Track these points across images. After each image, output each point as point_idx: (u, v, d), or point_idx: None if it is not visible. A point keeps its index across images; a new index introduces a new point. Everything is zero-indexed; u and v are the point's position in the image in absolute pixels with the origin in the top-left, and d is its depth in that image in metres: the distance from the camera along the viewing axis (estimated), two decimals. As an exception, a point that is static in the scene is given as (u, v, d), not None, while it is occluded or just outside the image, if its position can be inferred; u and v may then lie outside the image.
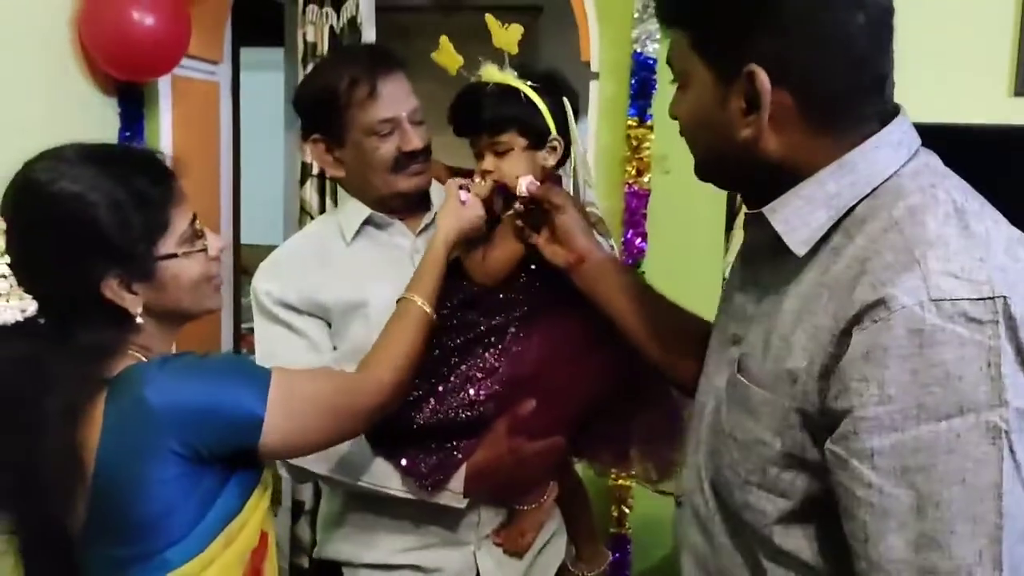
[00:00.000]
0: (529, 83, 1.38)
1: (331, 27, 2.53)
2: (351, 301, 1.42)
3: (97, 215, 1.03)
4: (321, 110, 1.44)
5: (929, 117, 1.87)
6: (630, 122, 2.20)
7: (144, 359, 1.09)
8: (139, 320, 1.08)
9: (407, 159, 1.42)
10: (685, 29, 0.92)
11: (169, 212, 1.10)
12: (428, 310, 1.29)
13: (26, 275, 1.05)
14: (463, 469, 1.39)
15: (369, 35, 2.55)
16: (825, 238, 0.87)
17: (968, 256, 0.76)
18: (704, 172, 0.99)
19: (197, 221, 1.14)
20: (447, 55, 1.42)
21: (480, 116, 1.39)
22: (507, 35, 1.40)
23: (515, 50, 1.40)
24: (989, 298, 0.73)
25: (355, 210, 1.49)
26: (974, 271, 0.75)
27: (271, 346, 1.44)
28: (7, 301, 1.04)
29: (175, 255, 1.10)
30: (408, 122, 1.42)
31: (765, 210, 0.90)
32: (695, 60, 0.91)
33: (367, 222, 1.48)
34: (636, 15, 2.17)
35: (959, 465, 0.73)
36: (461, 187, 1.38)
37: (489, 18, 1.40)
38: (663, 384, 1.39)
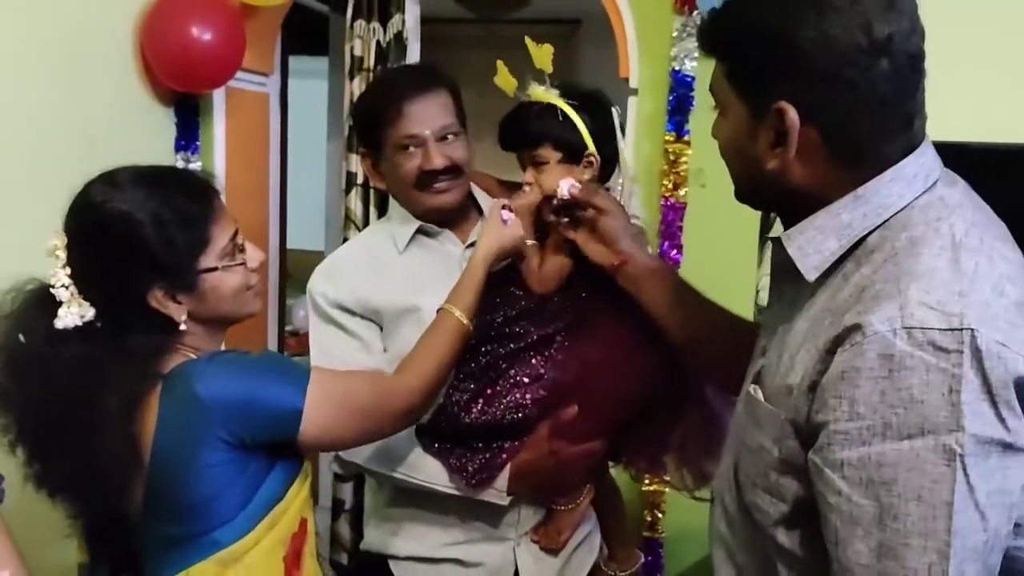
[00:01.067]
0: (569, 101, 1.45)
1: (378, 42, 2.59)
2: (403, 306, 1.49)
3: (143, 233, 1.12)
4: (365, 127, 1.53)
5: (982, 137, 1.91)
6: (667, 137, 2.25)
7: (195, 356, 1.18)
8: (183, 326, 1.17)
9: (428, 177, 1.47)
10: (721, 61, 0.97)
11: (210, 229, 1.18)
12: (465, 321, 1.36)
13: (83, 284, 1.14)
14: (507, 469, 1.45)
15: (414, 49, 2.60)
16: (838, 265, 0.92)
17: (948, 290, 0.81)
18: (740, 194, 1.04)
19: (239, 235, 1.23)
20: (504, 78, 1.49)
21: (519, 131, 1.47)
22: (541, 54, 1.47)
23: (550, 68, 1.46)
24: (957, 329, 0.78)
25: (406, 220, 1.56)
26: (950, 304, 0.80)
27: (324, 345, 1.51)
28: (68, 307, 1.13)
29: (215, 268, 1.18)
30: (433, 140, 1.46)
31: (782, 236, 0.96)
32: (730, 91, 0.96)
33: (418, 231, 1.55)
34: (675, 34, 2.21)
35: (917, 483, 0.78)
36: (504, 207, 1.45)
37: (527, 40, 1.47)
38: (701, 393, 1.45)
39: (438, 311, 1.38)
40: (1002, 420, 0.78)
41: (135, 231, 1.13)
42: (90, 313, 1.14)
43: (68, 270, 1.14)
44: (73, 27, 2.03)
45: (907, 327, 0.79)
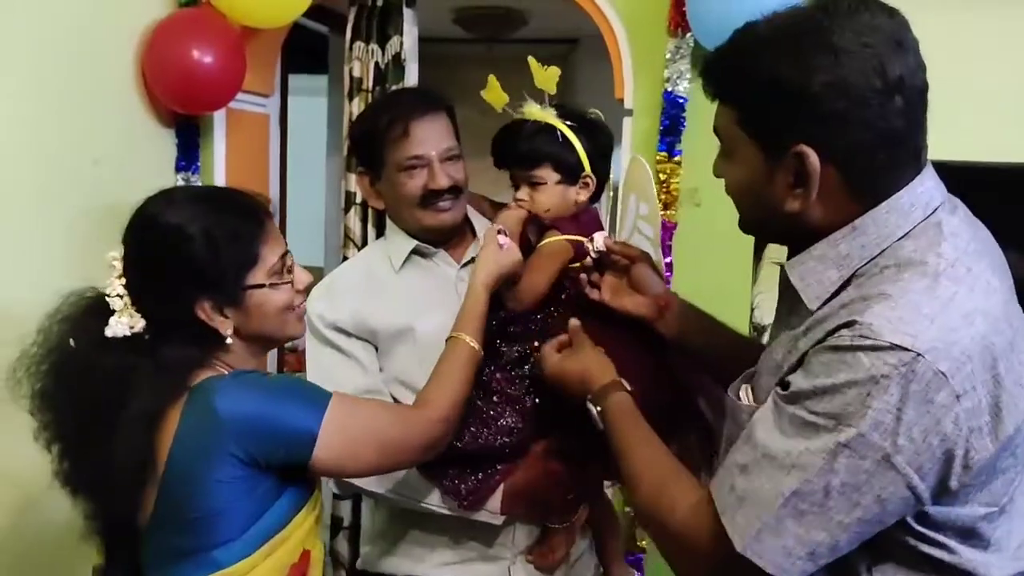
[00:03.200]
0: (567, 122, 1.48)
1: (376, 63, 2.61)
2: (399, 327, 1.51)
3: (193, 246, 1.17)
4: (364, 146, 1.56)
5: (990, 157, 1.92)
6: (659, 157, 2.27)
7: (225, 373, 1.21)
8: (229, 340, 1.21)
9: (433, 196, 1.51)
10: (732, 107, 0.98)
11: (259, 247, 1.22)
12: (476, 346, 1.38)
13: (136, 295, 1.18)
14: (501, 489, 1.47)
15: (412, 71, 2.62)
16: (838, 292, 0.94)
17: (916, 311, 0.84)
18: (748, 230, 1.07)
19: (288, 256, 1.27)
20: (494, 93, 1.51)
21: (518, 150, 1.49)
22: (546, 76, 1.48)
23: (553, 90, 1.48)
24: (905, 349, 0.82)
25: (402, 240, 1.58)
26: (909, 323, 0.84)
27: (322, 366, 1.53)
28: (120, 317, 1.17)
29: (263, 285, 1.22)
30: (438, 161, 1.49)
31: (786, 265, 0.98)
32: (742, 135, 0.97)
33: (413, 251, 1.57)
34: (668, 56, 2.24)
35: (800, 448, 0.88)
36: (500, 232, 1.46)
37: (531, 60, 1.49)
38: (696, 408, 1.47)
39: (447, 340, 1.39)
40: (895, 436, 0.83)
41: (185, 244, 1.17)
42: (140, 324, 1.18)
43: (123, 280, 1.19)
44: (75, 50, 2.06)
45: (862, 334, 0.84)
